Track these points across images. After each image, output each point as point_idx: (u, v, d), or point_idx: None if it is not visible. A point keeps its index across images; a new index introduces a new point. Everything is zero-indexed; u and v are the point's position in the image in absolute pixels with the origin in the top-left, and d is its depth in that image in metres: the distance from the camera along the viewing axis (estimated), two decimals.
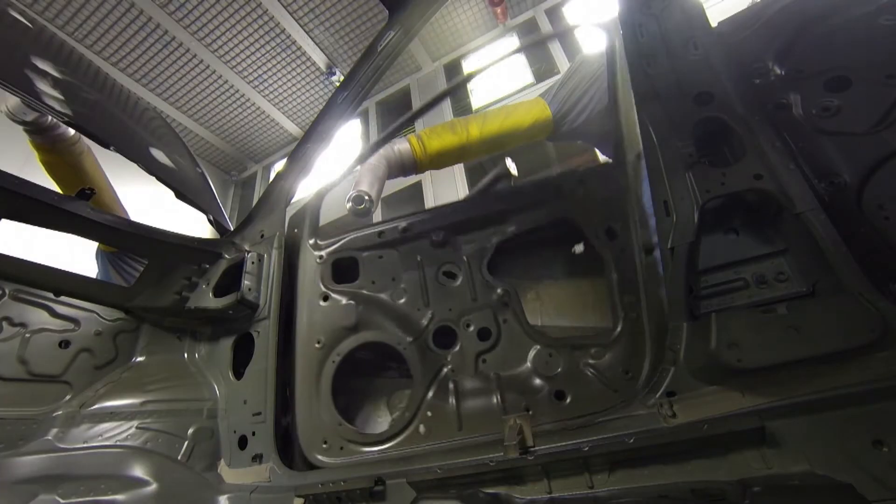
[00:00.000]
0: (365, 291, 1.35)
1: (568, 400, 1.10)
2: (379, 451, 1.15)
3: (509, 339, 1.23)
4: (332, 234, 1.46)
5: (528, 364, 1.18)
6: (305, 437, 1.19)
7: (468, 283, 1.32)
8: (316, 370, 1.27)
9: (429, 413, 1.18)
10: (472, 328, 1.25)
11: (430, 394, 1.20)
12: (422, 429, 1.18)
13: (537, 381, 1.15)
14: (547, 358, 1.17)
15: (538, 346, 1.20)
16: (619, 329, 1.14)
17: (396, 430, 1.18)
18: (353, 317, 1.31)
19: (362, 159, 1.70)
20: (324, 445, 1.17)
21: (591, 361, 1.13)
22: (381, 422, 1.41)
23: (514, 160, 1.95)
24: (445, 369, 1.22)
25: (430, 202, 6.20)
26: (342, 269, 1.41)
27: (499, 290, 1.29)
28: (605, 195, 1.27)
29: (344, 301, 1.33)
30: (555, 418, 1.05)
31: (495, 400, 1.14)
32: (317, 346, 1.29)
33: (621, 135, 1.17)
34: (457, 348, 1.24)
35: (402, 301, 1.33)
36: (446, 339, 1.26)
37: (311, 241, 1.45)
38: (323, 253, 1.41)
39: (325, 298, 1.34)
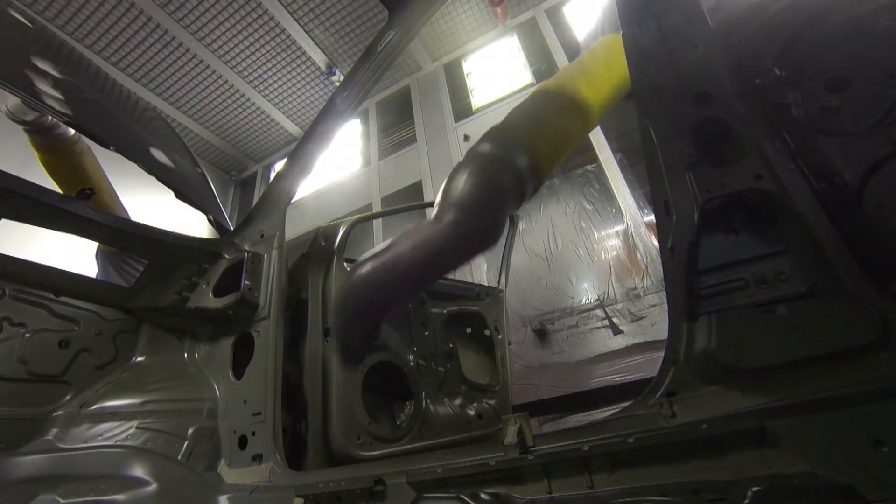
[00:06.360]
0: None
1: (482, 418, 1.85)
2: (400, 446, 1.43)
3: (452, 378, 1.85)
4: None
5: (460, 398, 1.84)
6: (343, 435, 1.29)
7: (433, 335, 1.84)
8: (352, 376, 1.40)
9: (423, 419, 1.61)
10: (433, 366, 1.78)
11: (424, 405, 1.64)
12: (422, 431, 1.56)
13: (469, 412, 1.84)
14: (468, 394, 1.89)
15: (464, 387, 1.88)
16: (500, 381, 2.02)
17: (406, 430, 1.52)
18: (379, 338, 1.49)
19: None
20: (359, 441, 1.32)
21: (486, 401, 1.91)
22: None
23: None
24: (424, 391, 1.68)
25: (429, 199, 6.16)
26: None
27: (449, 345, 1.89)
28: (496, 307, 2.16)
29: None
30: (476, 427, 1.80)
31: (453, 412, 1.79)
32: None
33: None
34: (428, 377, 1.74)
35: (398, 335, 1.68)
36: (420, 369, 1.73)
37: (344, 261, 1.55)
38: None
39: None
